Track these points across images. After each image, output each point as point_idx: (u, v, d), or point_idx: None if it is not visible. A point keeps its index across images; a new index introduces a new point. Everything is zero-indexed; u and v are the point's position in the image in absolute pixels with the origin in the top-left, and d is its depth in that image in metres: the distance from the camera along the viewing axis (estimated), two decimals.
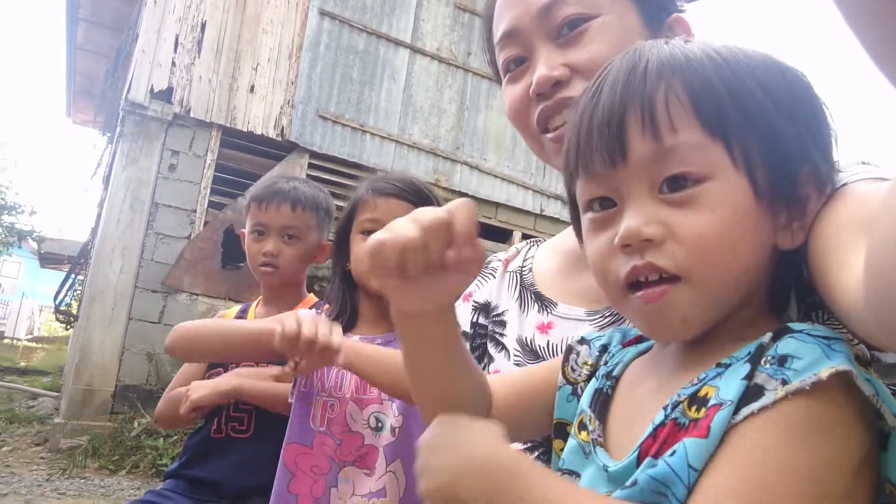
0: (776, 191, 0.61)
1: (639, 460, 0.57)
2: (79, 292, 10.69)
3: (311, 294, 2.06)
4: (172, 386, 1.93)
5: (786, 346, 0.53)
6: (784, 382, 0.50)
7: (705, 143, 0.60)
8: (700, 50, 0.64)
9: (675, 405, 0.57)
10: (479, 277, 1.18)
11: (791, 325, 0.55)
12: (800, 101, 0.63)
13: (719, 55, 0.63)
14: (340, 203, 2.14)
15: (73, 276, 10.90)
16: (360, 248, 1.51)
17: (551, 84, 0.94)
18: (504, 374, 0.98)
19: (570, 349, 0.80)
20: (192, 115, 6.64)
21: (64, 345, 13.95)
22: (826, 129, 0.65)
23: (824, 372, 0.49)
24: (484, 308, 1.13)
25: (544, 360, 0.97)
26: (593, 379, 0.73)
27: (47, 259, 17.73)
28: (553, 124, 0.96)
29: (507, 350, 1.04)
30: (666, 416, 0.57)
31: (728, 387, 0.53)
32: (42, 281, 29.37)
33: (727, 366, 0.56)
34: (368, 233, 1.50)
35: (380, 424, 1.43)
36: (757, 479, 0.48)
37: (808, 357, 0.51)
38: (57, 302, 11.22)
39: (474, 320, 1.13)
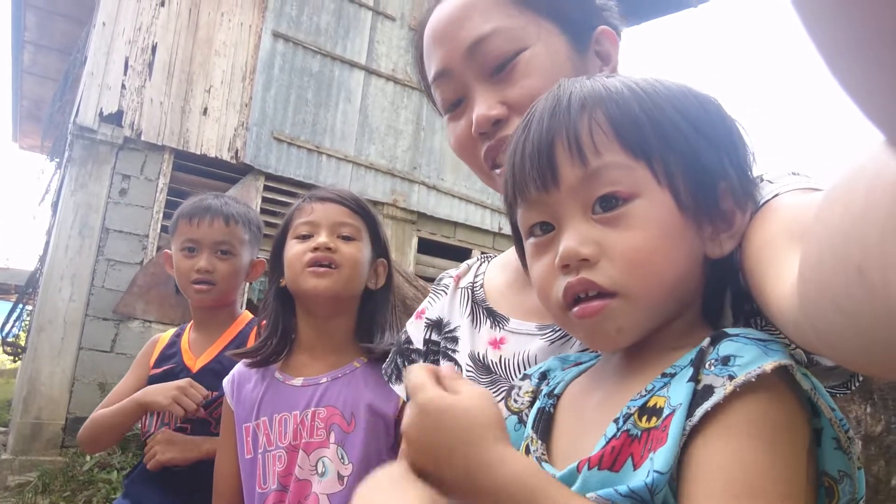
0: (699, 205, 0.66)
1: (578, 467, 0.59)
2: (27, 323, 10.35)
3: (246, 311, 2.00)
4: (100, 407, 1.86)
5: (726, 348, 0.56)
6: (731, 377, 0.53)
7: (629, 164, 0.65)
8: (620, 82, 0.70)
9: (627, 417, 0.59)
10: (431, 294, 1.19)
11: (727, 330, 0.59)
12: (714, 123, 0.69)
13: (638, 86, 0.69)
14: None
15: (20, 306, 10.56)
16: (295, 249, 1.43)
17: (491, 123, 0.94)
18: None
19: (511, 387, 0.83)
20: (143, 138, 6.52)
21: (12, 378, 13.48)
22: (741, 147, 0.70)
23: (768, 365, 0.52)
24: (436, 325, 1.13)
25: (497, 375, 0.97)
26: (536, 401, 0.75)
27: None
28: (500, 161, 0.97)
29: (459, 366, 1.03)
30: (618, 429, 0.58)
31: (677, 393, 0.56)
32: None
33: (672, 375, 0.58)
34: (303, 237, 1.44)
35: (324, 469, 1.32)
36: (742, 485, 0.50)
37: (749, 355, 0.54)
38: (3, 334, 10.83)
39: (427, 337, 1.13)
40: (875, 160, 0.38)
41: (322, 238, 1.41)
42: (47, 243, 8.08)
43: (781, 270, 0.54)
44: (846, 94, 0.26)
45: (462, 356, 1.04)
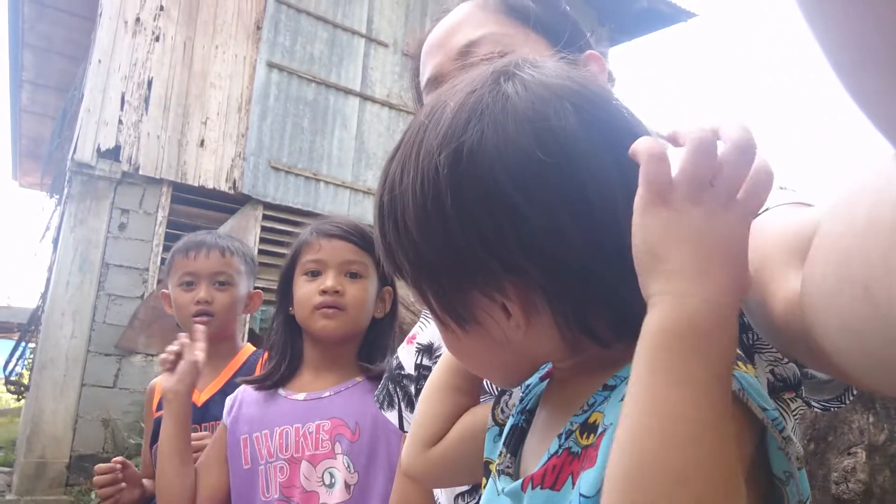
0: None
1: (523, 485, 0.57)
2: (30, 361, 10.32)
3: (248, 343, 2.01)
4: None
5: None
6: None
7: None
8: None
9: (569, 434, 0.56)
10: (422, 319, 1.20)
11: None
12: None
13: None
14: None
15: (23, 344, 10.53)
16: (304, 290, 1.48)
17: None
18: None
19: (502, 392, 0.80)
20: (141, 172, 6.56)
21: (16, 417, 13.41)
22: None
23: None
24: (427, 349, 1.14)
25: (488, 395, 0.97)
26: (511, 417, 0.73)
27: None
28: None
29: None
30: (560, 446, 0.56)
31: (612, 410, 0.52)
32: None
33: (613, 387, 0.55)
34: (312, 274, 1.49)
35: (332, 480, 1.38)
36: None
37: None
38: (7, 372, 10.80)
39: (418, 362, 1.14)
40: (878, 177, 0.38)
41: (330, 281, 1.46)
42: (48, 280, 8.09)
43: (781, 287, 0.53)
44: (859, 107, 0.26)
45: None
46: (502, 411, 0.77)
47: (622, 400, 0.48)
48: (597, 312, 0.56)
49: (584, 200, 0.53)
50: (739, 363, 0.52)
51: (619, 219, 0.52)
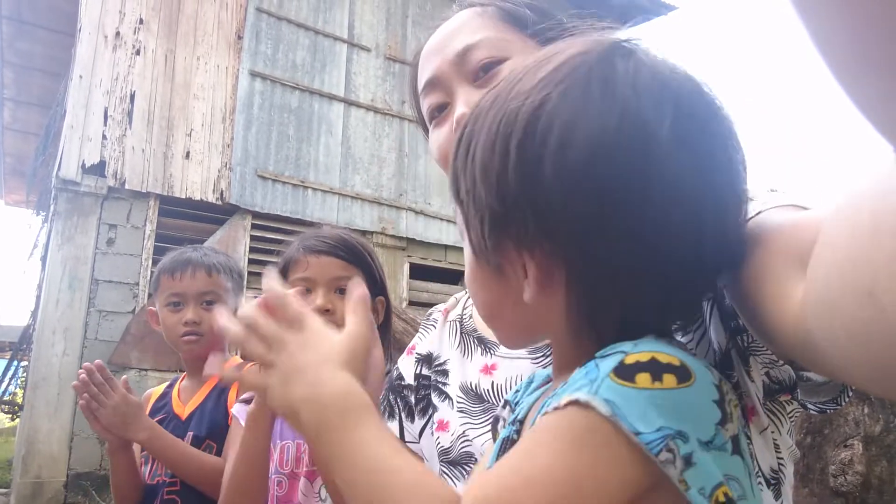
0: None
1: None
2: (23, 379, 10.25)
3: (236, 356, 2.02)
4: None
5: (573, 376, 0.52)
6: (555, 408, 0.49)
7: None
8: None
9: (517, 420, 0.57)
10: (421, 330, 1.20)
11: (599, 352, 0.53)
12: None
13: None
14: None
15: (15, 363, 10.46)
16: None
17: None
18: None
19: (496, 419, 0.80)
20: (127, 186, 6.52)
21: (11, 436, 13.31)
22: None
23: (564, 399, 0.48)
24: (426, 359, 1.14)
25: (489, 403, 0.98)
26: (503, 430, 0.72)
27: None
28: None
29: (450, 398, 1.04)
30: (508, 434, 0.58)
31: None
32: None
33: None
34: (302, 292, 1.49)
35: (326, 495, 1.38)
36: (520, 473, 0.47)
37: (573, 385, 0.50)
38: (0, 392, 10.72)
39: (417, 372, 1.14)
40: (880, 181, 0.38)
41: (319, 300, 1.46)
42: (38, 298, 8.04)
43: (782, 292, 0.53)
44: (857, 109, 0.26)
45: (453, 388, 1.04)
46: (503, 426, 0.77)
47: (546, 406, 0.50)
48: (608, 308, 0.56)
49: (643, 199, 0.53)
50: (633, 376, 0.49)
51: (670, 228, 0.53)
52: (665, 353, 0.49)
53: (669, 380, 0.48)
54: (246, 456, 1.34)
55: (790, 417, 0.78)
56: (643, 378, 0.48)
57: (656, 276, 0.54)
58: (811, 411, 0.75)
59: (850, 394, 0.72)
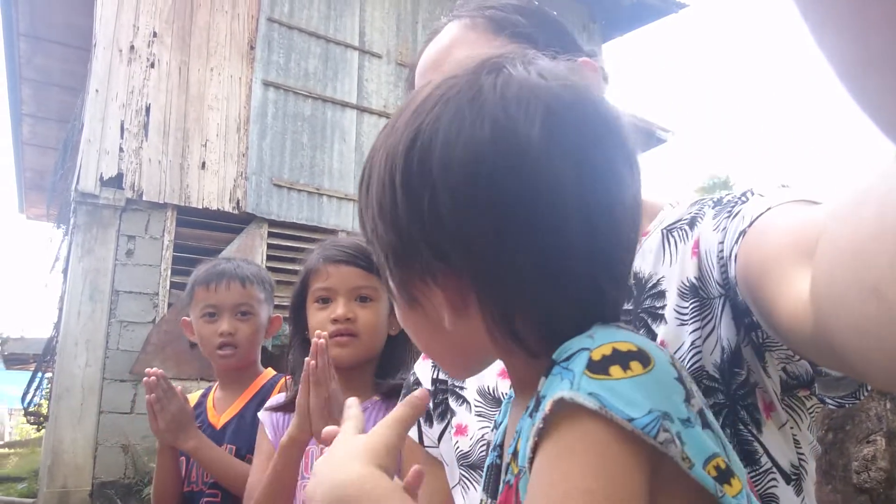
0: None
1: None
2: (47, 391, 10.36)
3: (269, 368, 2.04)
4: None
5: (545, 387, 0.51)
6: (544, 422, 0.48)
7: None
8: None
9: (507, 468, 0.56)
10: None
11: (555, 355, 0.52)
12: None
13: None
14: None
15: (39, 374, 10.58)
16: (317, 317, 1.51)
17: None
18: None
19: (487, 444, 0.79)
20: (144, 198, 6.59)
21: (37, 447, 13.46)
22: None
23: (547, 405, 0.47)
24: None
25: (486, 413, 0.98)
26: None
27: (12, 360, 17.17)
28: None
29: (467, 402, 1.04)
30: (502, 482, 0.57)
31: (525, 434, 0.52)
32: (8, 383, 28.40)
33: (532, 413, 0.53)
34: (323, 301, 1.52)
35: None
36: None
37: (550, 393, 0.49)
38: (25, 403, 10.85)
39: (434, 377, 1.13)
40: (884, 178, 0.38)
41: (340, 310, 1.48)
42: (60, 310, 8.14)
43: (791, 287, 0.53)
44: (861, 108, 0.26)
45: (470, 392, 1.04)
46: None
47: (533, 425, 0.48)
48: (525, 320, 0.56)
49: (531, 209, 0.53)
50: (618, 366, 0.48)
51: (564, 232, 0.53)
52: (621, 342, 0.49)
53: (636, 366, 0.48)
54: (273, 484, 1.37)
55: (810, 413, 0.78)
56: (616, 370, 0.47)
57: (561, 278, 0.54)
58: (830, 406, 0.74)
59: (869, 388, 0.72)
